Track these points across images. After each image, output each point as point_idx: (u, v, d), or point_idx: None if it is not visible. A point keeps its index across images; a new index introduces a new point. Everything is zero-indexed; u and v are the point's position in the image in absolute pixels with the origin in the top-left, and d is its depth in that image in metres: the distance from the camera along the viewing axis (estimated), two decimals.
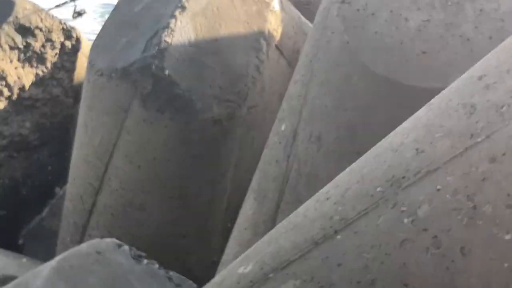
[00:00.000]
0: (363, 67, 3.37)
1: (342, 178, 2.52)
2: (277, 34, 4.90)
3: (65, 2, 6.23)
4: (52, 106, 5.78)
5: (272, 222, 3.59)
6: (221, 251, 4.06)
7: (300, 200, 3.39)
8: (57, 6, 6.23)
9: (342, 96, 3.49)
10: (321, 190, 2.57)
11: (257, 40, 4.78)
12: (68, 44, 5.82)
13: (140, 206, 4.50)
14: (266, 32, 4.83)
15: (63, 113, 5.84)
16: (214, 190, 4.57)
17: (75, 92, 5.81)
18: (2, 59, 5.53)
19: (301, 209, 2.61)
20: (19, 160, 5.70)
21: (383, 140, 2.51)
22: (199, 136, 4.44)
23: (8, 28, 5.57)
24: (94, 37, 7.20)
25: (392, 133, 2.50)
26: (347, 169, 2.55)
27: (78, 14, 6.09)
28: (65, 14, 6.23)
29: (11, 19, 5.58)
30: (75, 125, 5.50)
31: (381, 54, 3.35)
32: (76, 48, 5.86)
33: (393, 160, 2.31)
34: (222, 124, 4.50)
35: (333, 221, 2.32)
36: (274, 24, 4.89)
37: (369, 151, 2.53)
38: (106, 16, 8.17)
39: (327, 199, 2.46)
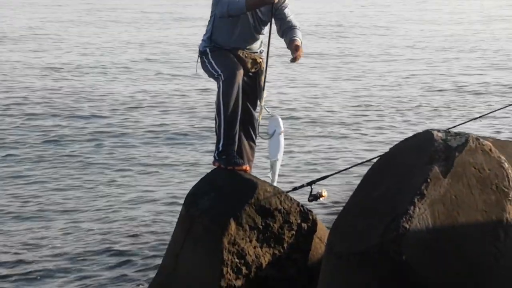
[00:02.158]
0: None
1: None
2: None
3: (302, 186, 6.48)
4: (286, 286, 5.93)
5: None
6: None
7: None
8: (295, 189, 6.50)
9: None
10: None
11: (495, 229, 4.79)
12: (304, 226, 6.02)
13: None
14: (504, 221, 4.83)
15: None
16: None
17: (310, 273, 5.96)
18: (242, 239, 5.80)
19: None
20: None
21: None
22: None
23: (249, 209, 5.86)
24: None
25: None
26: None
27: (314, 197, 6.30)
28: (301, 196, 6.49)
29: (252, 200, 5.89)
30: None
31: None
32: (312, 230, 6.04)
33: None
34: None
35: None
36: None
37: None
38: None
39: None
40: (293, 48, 6.13)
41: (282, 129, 6.17)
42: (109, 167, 10.92)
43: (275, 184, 6.19)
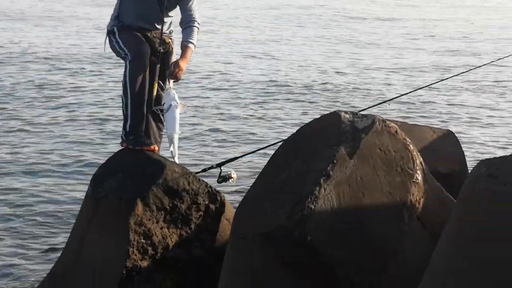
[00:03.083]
0: None
1: None
2: (419, 206, 4.94)
3: (211, 167, 6.44)
4: (194, 267, 5.90)
5: None
6: None
7: None
8: (204, 170, 6.45)
9: (488, 273, 3.47)
10: None
11: (399, 210, 4.84)
12: (212, 207, 5.98)
13: None
14: (409, 203, 4.88)
15: (204, 274, 5.95)
16: None
17: (217, 254, 5.93)
18: (149, 219, 5.73)
19: None
20: None
21: None
22: None
23: (156, 190, 5.80)
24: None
25: None
26: None
27: (223, 179, 6.27)
28: (210, 178, 6.46)
29: (160, 181, 5.83)
30: (217, 286, 5.60)
31: None
32: (220, 211, 6.02)
33: None
34: None
35: None
36: (416, 196, 4.94)
37: None
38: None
39: None
40: (174, 65, 6.00)
41: (178, 102, 6.06)
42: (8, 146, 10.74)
43: (176, 158, 6.10)
